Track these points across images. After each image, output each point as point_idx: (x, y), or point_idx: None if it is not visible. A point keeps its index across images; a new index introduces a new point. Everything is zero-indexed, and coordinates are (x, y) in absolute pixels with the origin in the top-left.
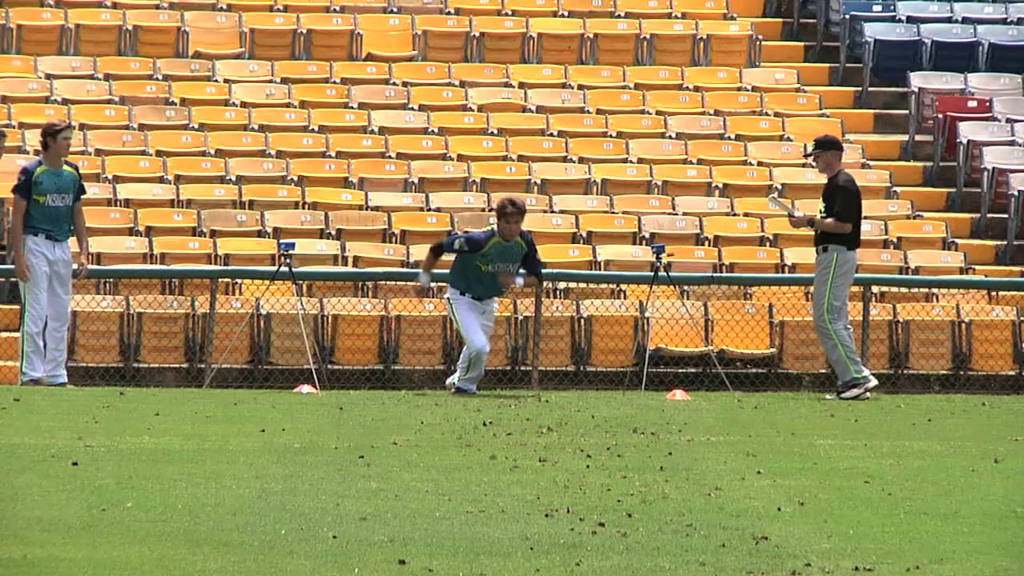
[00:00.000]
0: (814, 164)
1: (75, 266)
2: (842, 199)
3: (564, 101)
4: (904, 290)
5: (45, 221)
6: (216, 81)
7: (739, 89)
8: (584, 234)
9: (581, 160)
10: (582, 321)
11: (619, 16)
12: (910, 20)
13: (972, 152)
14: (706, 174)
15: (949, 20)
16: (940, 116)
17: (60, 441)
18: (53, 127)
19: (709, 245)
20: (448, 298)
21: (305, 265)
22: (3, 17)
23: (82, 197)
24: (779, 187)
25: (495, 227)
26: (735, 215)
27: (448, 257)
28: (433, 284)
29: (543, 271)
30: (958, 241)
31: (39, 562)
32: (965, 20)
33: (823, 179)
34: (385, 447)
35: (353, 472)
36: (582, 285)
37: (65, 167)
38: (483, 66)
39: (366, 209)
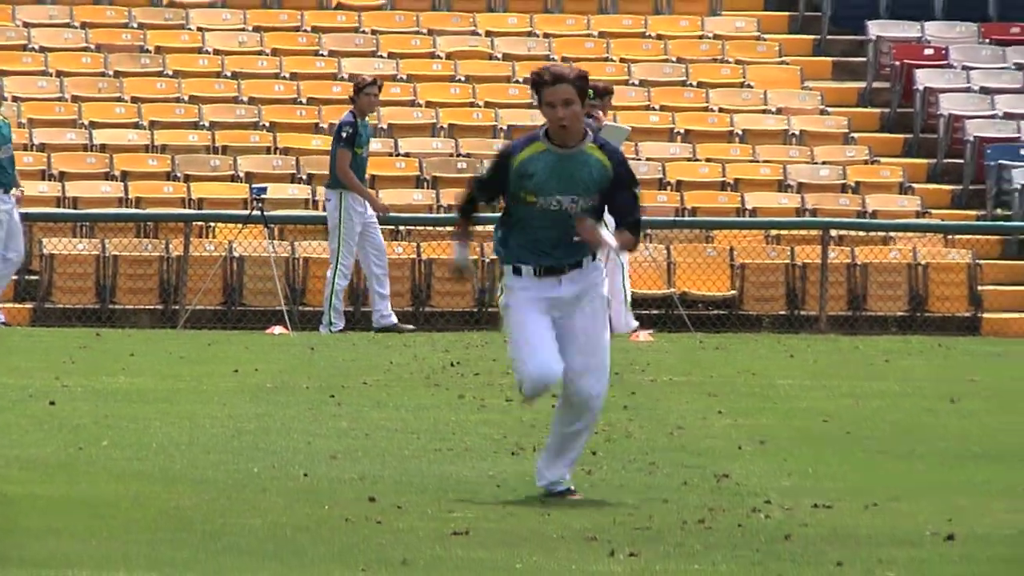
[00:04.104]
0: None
1: None
2: None
3: (530, 49)
4: (862, 234)
5: None
6: (190, 29)
7: (701, 37)
8: None
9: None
10: None
11: None
12: None
13: (928, 99)
14: (668, 120)
15: None
16: (897, 64)
17: (38, 381)
18: None
19: (672, 190)
20: (500, 296)
21: (277, 209)
22: None
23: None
24: (740, 132)
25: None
26: (697, 160)
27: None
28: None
29: (640, 219)
30: (915, 186)
31: (18, 499)
32: None
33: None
34: (355, 387)
35: (324, 411)
36: None
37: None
38: (451, 15)
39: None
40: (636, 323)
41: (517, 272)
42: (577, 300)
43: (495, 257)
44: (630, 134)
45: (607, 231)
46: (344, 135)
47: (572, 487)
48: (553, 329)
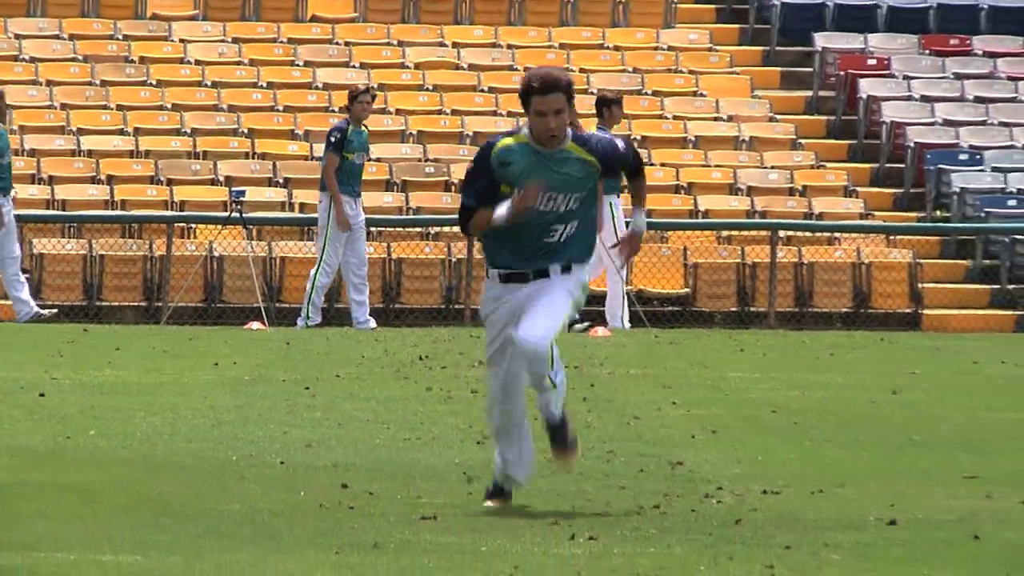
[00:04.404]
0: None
1: None
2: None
3: (494, 59)
4: (808, 234)
5: None
6: (172, 41)
7: (656, 48)
8: None
9: (510, 114)
10: None
11: None
12: None
13: (871, 107)
14: (626, 127)
15: None
16: (842, 73)
17: (28, 374)
18: None
19: (628, 192)
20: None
21: (255, 211)
22: None
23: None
24: (693, 138)
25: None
26: (652, 164)
27: None
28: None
29: (640, 166)
30: (859, 189)
31: (8, 485)
32: None
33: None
34: (329, 379)
35: (299, 403)
36: None
37: None
38: (419, 27)
39: (311, 159)
40: (628, 324)
41: (504, 280)
42: (541, 290)
43: (462, 258)
44: None
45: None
46: (332, 140)
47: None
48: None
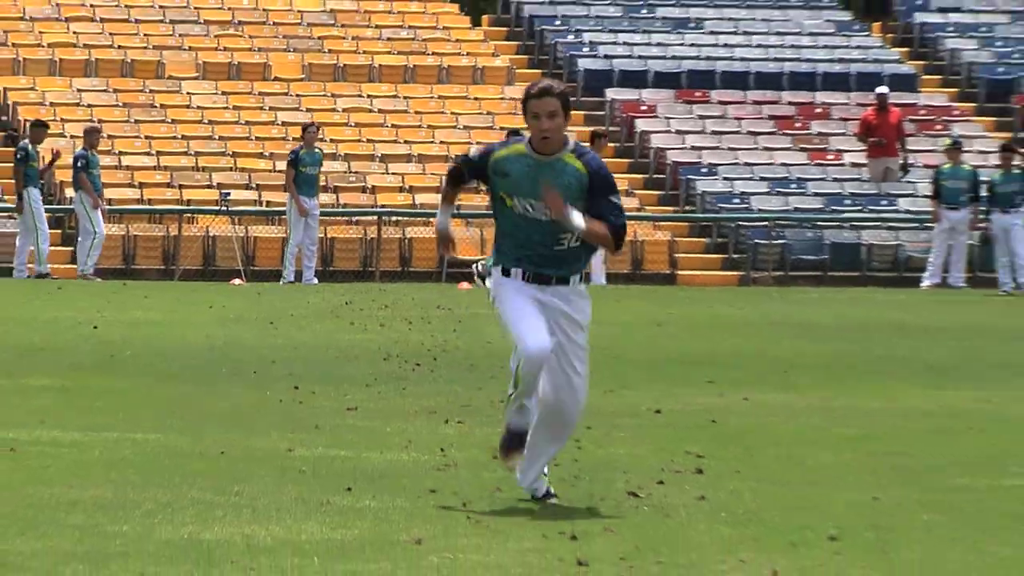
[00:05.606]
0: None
1: None
2: None
3: (395, 106)
4: None
5: None
6: (182, 93)
7: (501, 99)
8: (408, 187)
9: (406, 142)
10: (408, 240)
11: (428, 53)
12: (606, 57)
13: (644, 138)
14: None
15: (630, 56)
16: (625, 115)
17: (85, 314)
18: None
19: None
20: (490, 290)
21: (237, 206)
22: None
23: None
24: None
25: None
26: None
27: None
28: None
29: (621, 222)
30: (635, 191)
31: (72, 388)
32: (640, 56)
33: None
34: (286, 318)
35: (267, 332)
36: (409, 218)
37: None
38: (346, 84)
39: (274, 171)
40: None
41: (506, 274)
42: (560, 313)
43: (373, 237)
44: None
45: (576, 215)
46: (289, 159)
47: (550, 489)
48: (542, 314)
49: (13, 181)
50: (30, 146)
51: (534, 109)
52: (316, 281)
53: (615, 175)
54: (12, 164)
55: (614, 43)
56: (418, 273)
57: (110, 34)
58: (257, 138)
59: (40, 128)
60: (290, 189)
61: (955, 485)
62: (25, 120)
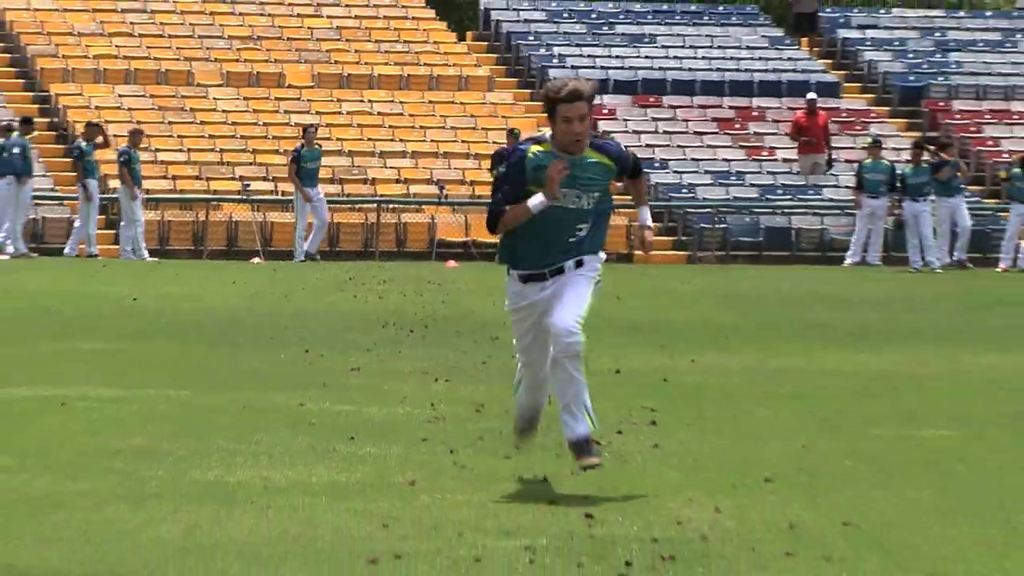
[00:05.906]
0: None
1: None
2: None
3: (392, 110)
4: None
5: None
6: (209, 98)
7: (483, 104)
8: (403, 179)
9: (401, 140)
10: (403, 225)
11: (420, 64)
12: (572, 67)
13: (606, 137)
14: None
15: (593, 67)
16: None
17: (125, 289)
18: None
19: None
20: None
21: (256, 195)
22: None
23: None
24: None
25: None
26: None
27: None
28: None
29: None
30: None
31: (114, 351)
32: (602, 67)
33: None
34: (297, 291)
35: (281, 303)
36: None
37: None
38: (350, 91)
39: (288, 165)
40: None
41: (510, 270)
42: (557, 286)
43: (373, 221)
44: None
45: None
46: (292, 156)
47: (592, 437)
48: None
49: (74, 174)
50: (83, 143)
51: (565, 113)
52: (313, 252)
53: None
54: (66, 160)
55: (580, 55)
56: (412, 253)
57: (147, 47)
58: (273, 137)
59: (93, 128)
60: (293, 181)
61: (875, 435)
62: (74, 121)
